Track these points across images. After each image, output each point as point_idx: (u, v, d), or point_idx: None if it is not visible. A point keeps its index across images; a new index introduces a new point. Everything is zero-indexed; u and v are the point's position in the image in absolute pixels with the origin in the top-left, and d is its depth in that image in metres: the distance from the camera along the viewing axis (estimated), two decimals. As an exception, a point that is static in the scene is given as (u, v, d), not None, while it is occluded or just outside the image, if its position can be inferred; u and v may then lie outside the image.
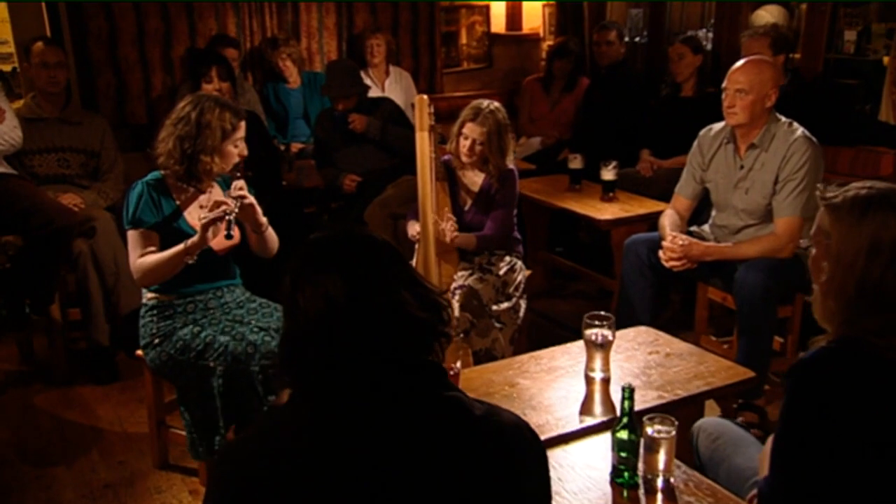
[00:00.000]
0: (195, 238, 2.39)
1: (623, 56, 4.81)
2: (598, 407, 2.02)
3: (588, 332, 2.11)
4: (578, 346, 2.33)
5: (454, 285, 3.08)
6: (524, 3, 5.85)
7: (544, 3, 5.89)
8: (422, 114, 2.89)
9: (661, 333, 2.42)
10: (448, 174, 3.28)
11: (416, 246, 3.13)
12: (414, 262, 3.14)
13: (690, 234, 3.17)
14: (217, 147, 2.48)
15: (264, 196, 3.61)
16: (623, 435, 1.64)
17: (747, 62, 2.94)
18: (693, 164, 3.23)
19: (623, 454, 1.64)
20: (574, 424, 1.91)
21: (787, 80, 3.72)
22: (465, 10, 5.70)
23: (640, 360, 2.24)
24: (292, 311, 1.19)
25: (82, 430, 3.06)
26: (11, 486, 2.70)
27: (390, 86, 5.00)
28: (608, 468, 1.69)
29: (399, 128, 3.96)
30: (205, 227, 2.36)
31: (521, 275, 3.25)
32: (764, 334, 2.86)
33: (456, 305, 3.03)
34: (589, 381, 2.11)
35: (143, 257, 2.44)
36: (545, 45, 5.92)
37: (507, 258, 3.24)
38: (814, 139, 2.92)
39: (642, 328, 2.46)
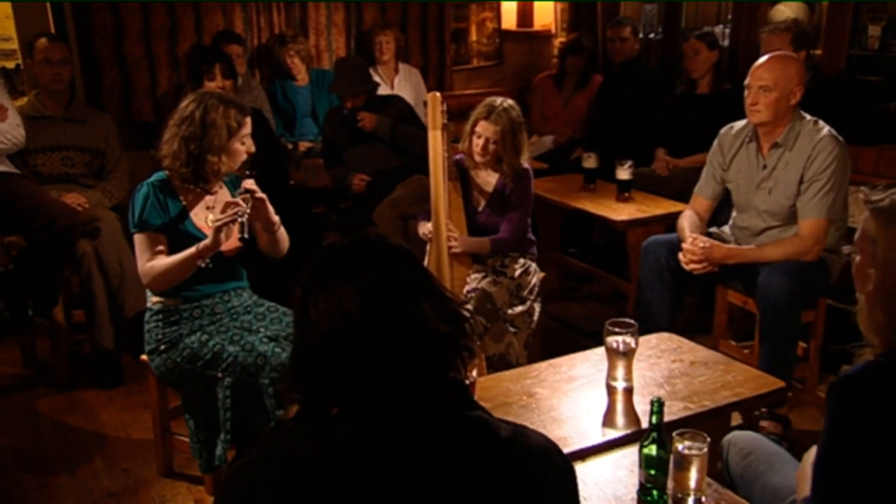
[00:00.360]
0: (208, 241, 2.31)
1: (637, 53, 4.72)
2: (621, 419, 1.93)
3: (610, 339, 2.02)
4: (598, 353, 2.24)
5: (467, 288, 3.00)
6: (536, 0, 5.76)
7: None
8: (434, 112, 2.80)
9: (684, 340, 2.33)
10: (460, 174, 3.19)
11: (428, 247, 3.05)
12: (426, 264, 3.05)
13: (710, 235, 3.08)
14: (224, 146, 2.40)
15: (271, 196, 3.55)
16: (651, 451, 1.55)
17: (771, 58, 2.84)
18: (713, 164, 3.13)
19: (651, 472, 1.55)
20: (597, 437, 1.82)
21: (809, 78, 3.58)
22: (476, 7, 5.61)
23: (663, 368, 2.15)
24: (304, 325, 1.11)
25: (85, 435, 2.98)
26: (12, 495, 2.63)
27: (399, 83, 4.92)
28: (634, 486, 1.60)
29: (410, 126, 3.88)
30: (217, 230, 2.29)
31: (536, 277, 3.16)
32: (788, 340, 2.76)
33: (469, 309, 2.93)
34: (611, 390, 2.02)
35: (152, 261, 2.36)
36: (557, 41, 5.82)
37: (522, 260, 3.15)
38: (840, 138, 2.82)
39: (664, 335, 2.37)
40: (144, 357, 2.52)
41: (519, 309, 3.04)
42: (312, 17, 5.00)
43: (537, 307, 3.14)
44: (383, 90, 4.45)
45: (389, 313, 1.09)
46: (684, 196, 3.69)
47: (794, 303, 2.73)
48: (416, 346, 1.09)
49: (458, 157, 3.20)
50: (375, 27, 4.99)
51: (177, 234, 2.40)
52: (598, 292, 4.34)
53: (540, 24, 5.85)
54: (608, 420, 1.91)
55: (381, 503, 1.02)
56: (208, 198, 2.49)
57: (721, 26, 4.92)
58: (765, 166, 2.94)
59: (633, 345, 2.01)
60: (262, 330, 2.48)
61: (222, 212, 2.30)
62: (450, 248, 2.91)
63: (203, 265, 2.32)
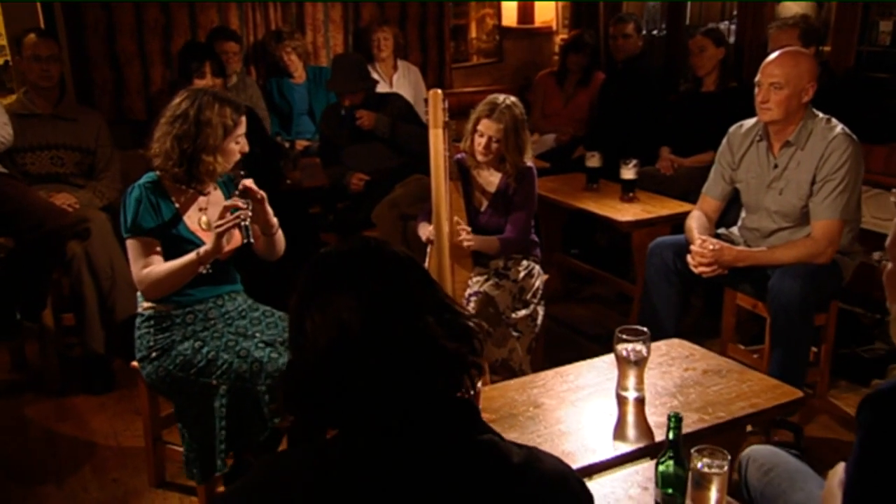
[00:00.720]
0: (208, 247, 2.22)
1: (640, 50, 4.63)
2: (632, 431, 1.84)
3: (620, 347, 1.93)
4: (606, 360, 2.16)
5: (469, 291, 2.91)
6: (536, -3, 5.68)
7: (557, -4, 5.71)
8: (436, 109, 2.71)
9: (696, 347, 2.24)
10: (462, 174, 3.09)
11: (429, 249, 2.96)
12: (426, 266, 2.95)
13: (718, 236, 2.99)
14: (219, 146, 2.31)
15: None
16: (669, 468, 1.46)
17: (783, 54, 2.75)
18: (722, 164, 3.04)
19: (668, 490, 1.47)
20: (607, 452, 1.74)
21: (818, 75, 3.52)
22: (475, 3, 5.53)
23: (675, 377, 2.06)
24: (299, 340, 1.02)
25: (75, 443, 2.89)
26: (-3, 507, 2.55)
27: (398, 80, 4.83)
28: (650, 504, 1.51)
29: (409, 125, 3.79)
30: (219, 235, 2.20)
31: (539, 280, 3.07)
32: (801, 346, 2.68)
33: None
34: (621, 401, 1.94)
35: (148, 268, 2.26)
36: (558, 38, 5.73)
37: (525, 262, 3.06)
38: (854, 136, 2.74)
39: (675, 341, 2.29)
40: (135, 363, 2.43)
41: (522, 313, 2.95)
42: (309, 13, 4.91)
43: (541, 310, 3.05)
44: (382, 88, 4.37)
45: (391, 327, 1.00)
46: (689, 196, 3.62)
47: (806, 307, 2.64)
48: (420, 364, 1.00)
49: (459, 156, 3.11)
50: (373, 23, 4.91)
51: (170, 237, 2.30)
52: (601, 294, 4.26)
53: (541, 20, 5.76)
54: (619, 433, 1.82)
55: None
56: (202, 199, 2.40)
57: (726, 23, 4.83)
58: (776, 166, 2.85)
59: (644, 353, 1.92)
60: (257, 335, 2.39)
61: (221, 216, 2.21)
62: (464, 242, 2.82)
63: (204, 271, 2.24)
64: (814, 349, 2.96)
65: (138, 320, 2.37)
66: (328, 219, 4.11)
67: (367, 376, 0.99)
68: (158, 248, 2.27)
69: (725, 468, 1.43)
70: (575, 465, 1.68)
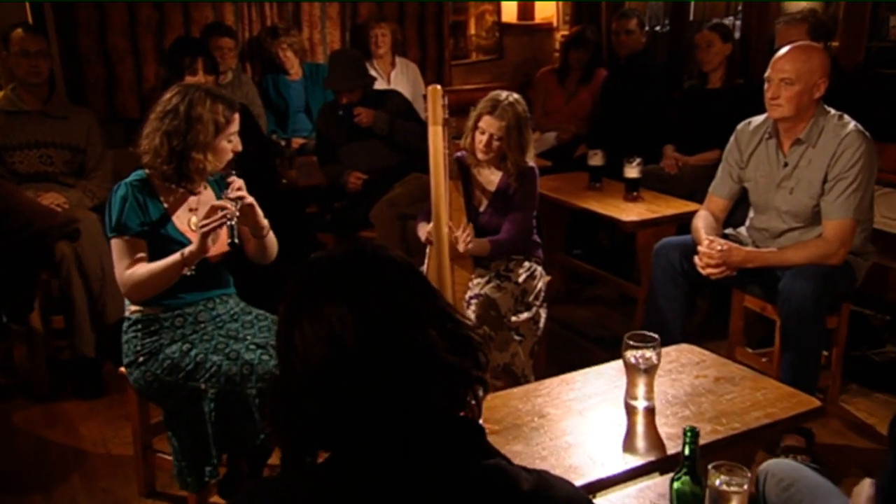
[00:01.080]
0: (193, 247, 2.13)
1: (644, 46, 4.55)
2: (642, 443, 1.75)
3: (629, 354, 1.85)
4: (614, 367, 2.07)
5: (469, 294, 2.82)
6: (537, -7, 5.59)
7: (558, -9, 5.62)
8: (435, 106, 2.62)
9: (707, 353, 2.16)
10: (462, 172, 3.00)
11: (428, 250, 2.87)
12: (425, 268, 2.88)
13: (726, 237, 2.91)
14: (210, 143, 2.22)
15: (259, 197, 3.36)
16: (684, 486, 1.38)
17: (794, 48, 2.67)
18: (729, 162, 2.96)
19: (683, 509, 1.38)
20: (617, 465, 1.65)
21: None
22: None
23: (685, 385, 1.97)
24: (287, 355, 0.93)
25: (63, 451, 2.80)
26: (-18, 518, 2.46)
27: (396, 77, 4.74)
28: (663, 523, 1.43)
29: (408, 122, 3.70)
30: (204, 235, 2.10)
31: (542, 282, 2.98)
32: (812, 350, 2.60)
33: (472, 316, 2.76)
34: (630, 410, 1.85)
35: (131, 269, 2.17)
36: (559, 35, 5.65)
37: (527, 264, 2.97)
38: (867, 133, 2.65)
39: (685, 346, 2.20)
40: (123, 369, 2.34)
41: (524, 316, 2.87)
42: (306, 9, 4.83)
43: (543, 313, 2.97)
44: (379, 85, 4.27)
45: (389, 340, 0.91)
46: (695, 195, 3.55)
47: (819, 309, 2.56)
48: (420, 380, 0.91)
49: (459, 154, 3.02)
50: (371, 20, 4.82)
51: (157, 238, 2.22)
52: (603, 295, 4.18)
53: (541, 16, 5.68)
54: (629, 445, 1.73)
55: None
56: (192, 199, 2.31)
57: (731, 18, 4.74)
58: (786, 164, 2.77)
59: (654, 360, 1.84)
60: (248, 337, 2.30)
61: (207, 216, 2.11)
62: (460, 244, 2.73)
63: (189, 273, 2.14)
64: (824, 353, 2.88)
65: (125, 324, 2.28)
66: (325, 219, 4.02)
67: (363, 394, 0.90)
68: (143, 249, 2.18)
69: (745, 486, 1.35)
70: (582, 480, 1.59)
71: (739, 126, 2.96)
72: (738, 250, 2.71)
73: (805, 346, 2.57)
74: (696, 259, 2.75)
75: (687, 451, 1.38)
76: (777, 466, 1.56)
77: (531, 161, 2.96)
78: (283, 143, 4.31)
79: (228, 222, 2.07)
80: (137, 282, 2.15)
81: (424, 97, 2.76)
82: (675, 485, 1.39)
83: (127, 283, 2.16)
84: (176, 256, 2.12)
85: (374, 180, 3.68)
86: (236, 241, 2.06)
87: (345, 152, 3.77)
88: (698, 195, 3.50)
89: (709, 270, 2.71)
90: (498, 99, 2.84)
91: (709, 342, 3.10)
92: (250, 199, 2.20)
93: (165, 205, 2.25)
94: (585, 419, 1.83)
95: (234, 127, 2.28)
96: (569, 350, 3.57)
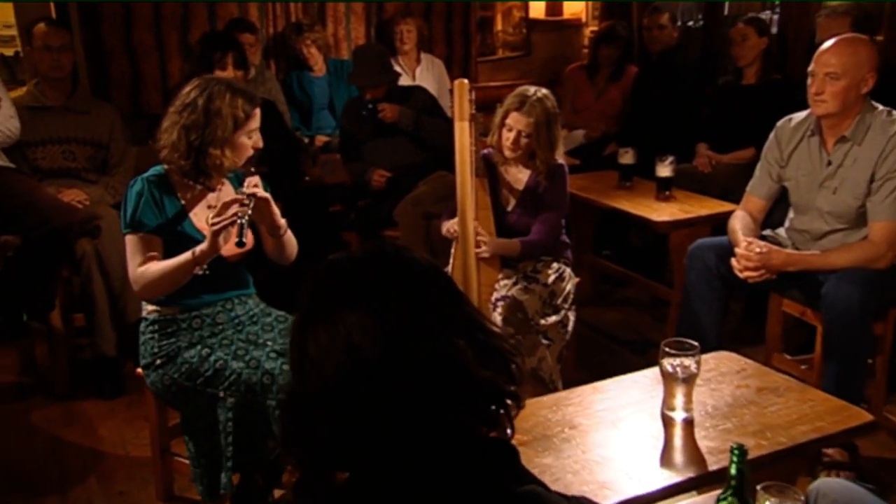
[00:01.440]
0: (204, 245, 2.05)
1: (676, 41, 4.42)
2: (681, 457, 1.65)
3: (667, 362, 1.74)
4: (648, 375, 1.97)
5: (495, 296, 2.73)
6: (566, -12, 5.48)
7: (588, -14, 5.51)
8: (462, 101, 2.53)
9: (748, 361, 2.05)
10: (488, 170, 2.91)
11: (453, 249, 2.78)
12: (450, 269, 2.79)
13: (764, 238, 2.78)
14: (228, 138, 2.14)
15: (284, 194, 3.29)
16: (730, 509, 1.27)
17: (840, 41, 2.54)
18: (769, 160, 2.83)
19: (729, 533, 1.28)
20: (654, 482, 1.55)
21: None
22: (502, -5, 5.35)
23: (725, 395, 1.86)
24: (302, 365, 0.85)
25: (81, 452, 2.76)
26: (-3, 519, 2.42)
27: (421, 74, 4.66)
28: (705, 547, 1.33)
29: (434, 118, 3.61)
30: (215, 233, 2.03)
31: (571, 284, 2.88)
32: (859, 358, 2.47)
33: (498, 319, 2.67)
34: (667, 422, 1.75)
35: (144, 266, 2.11)
36: (588, 31, 5.53)
37: (555, 265, 2.87)
38: (918, 131, 2.52)
39: (724, 354, 2.09)
40: (140, 371, 2.29)
41: (552, 319, 2.77)
42: (331, 4, 4.76)
43: (572, 316, 2.87)
44: (404, 81, 4.20)
45: (412, 351, 0.82)
46: (729, 195, 3.43)
47: (865, 315, 2.43)
48: (447, 396, 0.83)
49: (485, 151, 2.93)
50: (397, 15, 4.74)
51: (174, 235, 2.15)
52: (634, 297, 4.07)
53: (570, 12, 5.57)
54: (666, 460, 1.63)
55: None
56: (210, 196, 2.24)
57: (768, 13, 4.60)
58: (829, 163, 2.64)
59: (693, 369, 1.73)
60: (269, 343, 2.22)
61: (219, 212, 2.04)
62: (477, 252, 2.65)
63: (200, 272, 2.07)
64: (868, 360, 2.74)
65: (143, 325, 2.22)
66: (349, 217, 3.95)
67: (382, 410, 0.81)
68: (158, 246, 2.12)
69: (797, 510, 1.24)
70: (616, 497, 1.50)
71: (780, 123, 2.83)
72: (778, 253, 2.59)
73: (850, 353, 2.45)
74: (734, 262, 2.63)
75: (734, 471, 1.28)
76: (828, 486, 1.45)
77: (560, 158, 2.86)
78: (306, 140, 4.26)
79: (239, 220, 1.99)
80: (149, 280, 2.08)
81: (451, 91, 2.67)
82: (721, 507, 1.29)
83: (139, 280, 2.10)
84: (187, 255, 2.05)
85: (399, 178, 3.60)
86: (244, 240, 1.98)
87: (369, 149, 3.70)
88: (732, 195, 3.39)
89: (747, 273, 2.59)
90: (526, 94, 2.75)
91: (744, 348, 2.97)
92: (264, 194, 2.12)
93: (183, 201, 2.19)
94: (619, 431, 1.73)
95: (255, 123, 2.20)
96: (598, 354, 3.47)
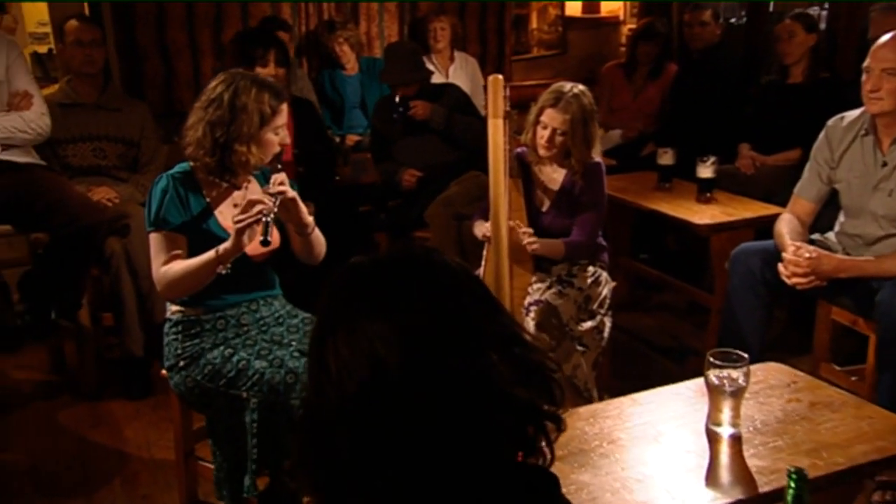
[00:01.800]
0: (228, 244, 1.99)
1: (719, 38, 4.28)
2: (728, 477, 1.54)
3: (713, 373, 1.63)
4: (690, 386, 1.87)
5: (528, 300, 2.64)
6: (603, -16, 5.37)
7: (626, -16, 5.39)
8: (496, 98, 2.44)
9: (799, 373, 1.93)
10: (522, 170, 2.82)
11: (485, 252, 2.69)
12: (482, 271, 2.70)
13: (812, 243, 2.65)
14: (254, 135, 2.08)
15: (317, 194, 3.24)
16: (786, 538, 1.16)
17: (898, 35, 2.40)
18: (818, 161, 2.69)
19: (785, 564, 1.17)
20: (699, 503, 1.44)
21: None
22: (538, -7, 5.26)
23: (775, 409, 1.75)
24: (318, 379, 0.77)
25: (106, 454, 2.73)
26: (20, 522, 2.39)
27: (455, 73, 4.58)
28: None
29: (466, 116, 3.53)
30: (239, 232, 1.97)
31: (607, 288, 2.77)
32: (915, 371, 2.32)
33: (531, 324, 2.58)
34: (713, 438, 1.64)
35: (167, 265, 2.06)
36: (625, 29, 5.41)
37: (591, 268, 2.77)
38: (980, 130, 2.37)
39: (773, 365, 1.97)
40: (164, 372, 2.24)
41: (588, 325, 2.66)
42: (364, 2, 4.70)
43: (608, 322, 2.76)
44: (437, 80, 4.12)
45: (440, 366, 0.74)
46: (773, 198, 3.31)
47: (923, 326, 2.29)
48: (478, 417, 0.74)
49: (519, 150, 2.83)
50: (430, 13, 4.67)
51: (199, 234, 2.09)
52: (671, 303, 3.94)
53: (607, 10, 5.46)
54: (712, 479, 1.52)
55: None
56: (236, 193, 2.18)
57: (816, 9, 4.43)
58: (884, 164, 2.50)
59: (741, 382, 1.62)
60: (293, 343, 2.16)
61: (243, 211, 1.98)
62: (527, 246, 2.54)
63: (224, 272, 2.01)
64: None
65: (166, 326, 2.17)
66: (379, 217, 3.89)
67: (408, 431, 0.73)
68: (182, 245, 2.06)
69: (862, 542, 1.13)
70: (659, 519, 1.39)
71: (830, 122, 2.69)
72: (829, 258, 2.46)
73: (906, 366, 2.31)
74: (781, 267, 2.51)
75: (790, 498, 1.17)
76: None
77: (597, 157, 2.76)
78: (337, 139, 4.20)
79: (265, 218, 1.93)
80: (172, 279, 2.03)
81: (484, 88, 2.58)
82: (775, 535, 1.18)
83: (162, 280, 2.05)
84: (210, 254, 1.99)
85: (430, 178, 3.52)
86: (270, 239, 1.91)
87: (399, 148, 3.63)
88: (776, 197, 3.27)
89: (795, 280, 2.47)
90: (562, 91, 2.65)
91: (788, 357, 2.84)
92: (292, 194, 2.05)
93: (208, 199, 2.13)
94: (661, 447, 1.63)
95: (282, 119, 2.14)
96: (634, 362, 3.35)
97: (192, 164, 2.14)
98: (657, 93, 4.47)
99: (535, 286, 2.70)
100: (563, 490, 0.77)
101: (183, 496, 2.42)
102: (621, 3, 5.45)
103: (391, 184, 3.64)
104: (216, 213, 2.13)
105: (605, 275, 2.81)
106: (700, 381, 1.73)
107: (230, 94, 2.06)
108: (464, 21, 4.94)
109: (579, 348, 2.63)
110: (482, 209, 2.76)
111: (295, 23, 4.51)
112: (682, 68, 4.41)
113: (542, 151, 2.72)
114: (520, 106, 3.09)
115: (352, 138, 4.32)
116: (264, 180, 2.22)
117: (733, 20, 5.03)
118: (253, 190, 2.19)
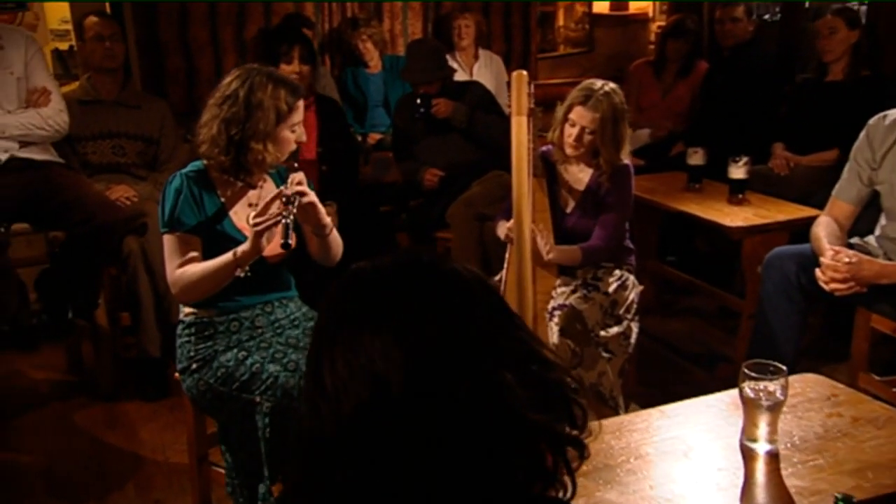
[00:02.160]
0: (246, 246, 1.93)
1: (751, 35, 4.14)
2: (764, 497, 1.44)
3: (748, 386, 1.54)
4: (722, 397, 1.76)
5: (552, 304, 2.55)
6: (632, -18, 5.25)
7: (655, -20, 5.27)
8: (520, 94, 2.35)
9: (840, 385, 1.81)
10: (547, 169, 2.73)
11: (508, 254, 2.60)
12: (504, 274, 2.61)
13: (851, 247, 2.53)
14: (270, 132, 2.02)
15: (340, 194, 3.17)
16: (831, 570, 1.07)
17: (946, 28, 2.27)
18: (859, 161, 2.57)
19: None
20: (734, 526, 1.35)
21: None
22: (564, -11, 5.15)
23: (815, 425, 1.64)
24: (315, 401, 0.69)
25: (121, 456, 2.69)
26: (33, 525, 2.36)
27: (479, 71, 4.50)
28: None
29: (489, 115, 3.45)
30: (258, 234, 1.91)
31: (634, 292, 2.67)
32: (962, 384, 2.20)
33: (555, 329, 2.49)
34: (748, 455, 1.54)
35: (182, 267, 2.00)
36: (654, 26, 5.29)
37: (617, 272, 2.67)
38: None
39: (811, 377, 1.86)
40: (178, 375, 2.19)
41: (614, 330, 2.57)
42: (387, 1, 4.64)
43: (635, 328, 2.66)
44: (461, 77, 4.05)
45: (447, 386, 0.66)
46: (808, 199, 3.19)
47: (971, 337, 2.16)
48: (490, 443, 0.66)
49: (544, 148, 2.74)
50: (454, 10, 4.59)
51: (213, 235, 2.04)
52: (700, 307, 3.82)
53: (636, 7, 5.35)
54: (748, 499, 1.42)
55: None
56: (251, 193, 2.12)
57: (856, 3, 4.27)
58: (930, 164, 2.37)
59: (779, 395, 1.52)
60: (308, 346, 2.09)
61: (261, 212, 1.92)
62: (543, 252, 2.46)
63: (242, 274, 1.95)
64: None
65: (179, 328, 2.12)
66: (400, 217, 3.82)
67: (411, 459, 0.65)
68: (197, 247, 2.01)
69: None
70: (690, 542, 1.30)
71: (872, 121, 2.57)
72: (870, 263, 2.34)
73: (953, 378, 2.18)
74: (819, 272, 2.39)
75: (837, 526, 1.08)
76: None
77: (626, 158, 2.66)
78: (359, 138, 4.15)
79: (284, 220, 1.86)
80: (188, 282, 1.97)
81: (508, 83, 2.49)
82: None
83: (177, 283, 1.99)
84: (228, 256, 1.93)
85: (452, 177, 3.45)
86: (290, 241, 1.85)
87: (421, 147, 3.56)
88: (812, 199, 3.15)
89: (834, 286, 2.35)
90: (592, 88, 2.55)
91: (823, 366, 2.74)
92: (311, 196, 1.98)
93: (223, 199, 2.08)
94: (692, 463, 1.53)
95: (298, 116, 2.08)
96: (661, 369, 3.25)
97: (205, 162, 2.08)
98: (687, 91, 4.35)
99: (560, 290, 2.61)
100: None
101: (196, 501, 2.36)
102: (650, 1, 5.33)
103: (412, 183, 3.57)
104: (231, 213, 2.07)
105: (632, 278, 2.71)
106: (733, 392, 1.64)
107: (245, 90, 2.00)
108: (488, 18, 4.85)
109: (605, 355, 2.54)
110: (505, 209, 2.68)
111: (318, 20, 4.45)
112: (712, 66, 4.28)
113: (569, 150, 2.63)
114: (545, 104, 3.00)
115: (374, 137, 4.26)
116: (280, 179, 2.16)
117: (766, 16, 4.88)
118: (268, 189, 2.13)
